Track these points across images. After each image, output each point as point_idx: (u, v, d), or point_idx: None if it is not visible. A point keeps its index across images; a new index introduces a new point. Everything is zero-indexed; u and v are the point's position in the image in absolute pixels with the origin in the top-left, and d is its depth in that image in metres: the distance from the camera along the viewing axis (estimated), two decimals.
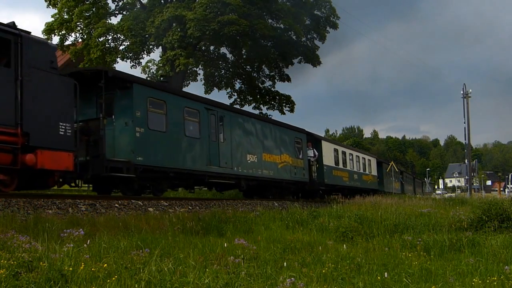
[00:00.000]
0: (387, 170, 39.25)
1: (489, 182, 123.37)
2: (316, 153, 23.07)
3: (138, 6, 28.32)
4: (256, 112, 31.67)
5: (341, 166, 26.89)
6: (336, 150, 26.51)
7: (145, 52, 28.65)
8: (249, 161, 17.83)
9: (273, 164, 19.59)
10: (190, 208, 12.98)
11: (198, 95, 17.32)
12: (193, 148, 15.06)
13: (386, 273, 6.12)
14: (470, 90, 42.19)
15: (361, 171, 30.94)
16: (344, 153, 28.12)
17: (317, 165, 23.25)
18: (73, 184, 12.12)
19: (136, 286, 5.00)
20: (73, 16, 26.31)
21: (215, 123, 16.29)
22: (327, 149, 25.13)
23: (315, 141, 24.05)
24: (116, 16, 28.89)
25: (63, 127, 10.29)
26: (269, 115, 31.69)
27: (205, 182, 16.26)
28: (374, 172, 34.18)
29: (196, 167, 15.09)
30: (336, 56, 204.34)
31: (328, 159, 24.72)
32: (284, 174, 20.40)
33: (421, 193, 59.27)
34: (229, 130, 16.99)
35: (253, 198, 18.37)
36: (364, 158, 32.38)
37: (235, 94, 32.59)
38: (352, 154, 29.94)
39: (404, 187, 46.36)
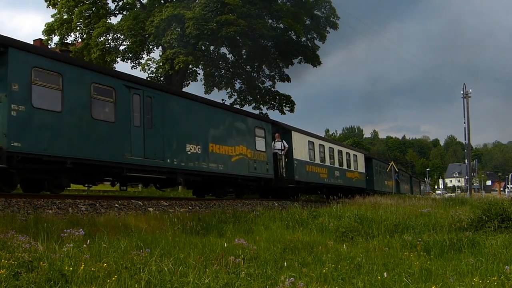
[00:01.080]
0: (387, 170, 38.67)
1: (489, 182, 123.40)
2: (286, 146, 19.97)
3: (138, 6, 28.34)
4: (256, 112, 31.74)
5: (317, 161, 23.32)
6: (311, 143, 22.97)
7: (145, 52, 28.69)
8: (189, 152, 14.84)
9: (225, 157, 16.49)
10: (190, 208, 12.98)
11: (116, 70, 14.86)
12: (105, 134, 12.20)
13: (386, 273, 6.12)
14: (470, 90, 42.17)
15: (345, 167, 27.39)
16: (322, 146, 24.56)
17: (287, 160, 20.12)
18: None
19: (136, 286, 5.00)
20: (73, 16, 26.33)
21: (140, 105, 13.30)
22: (300, 141, 21.62)
23: (284, 131, 20.61)
24: (116, 16, 28.96)
25: None
26: (265, 113, 31.79)
27: (124, 176, 13.15)
28: (362, 169, 30.68)
29: (106, 158, 12.17)
30: (337, 56, 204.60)
31: (300, 153, 21.31)
32: (239, 169, 17.21)
33: (419, 193, 56.09)
34: (160, 114, 13.89)
35: (204, 197, 16.81)
36: (348, 154, 28.82)
37: (235, 94, 32.63)
38: (333, 148, 26.33)
39: (400, 186, 42.87)
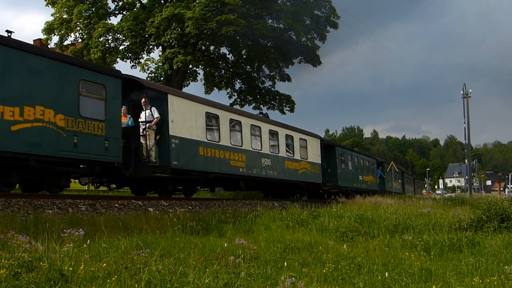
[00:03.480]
0: (387, 170, 37.85)
1: (489, 182, 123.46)
2: (157, 116, 13.62)
3: (138, 6, 28.35)
4: (256, 112, 31.73)
5: (225, 141, 16.38)
6: (210, 116, 15.94)
7: (145, 52, 28.70)
8: None
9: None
10: (190, 208, 12.97)
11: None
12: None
13: (386, 273, 6.11)
14: (470, 90, 42.25)
15: (282, 154, 20.06)
16: (235, 122, 17.33)
17: (158, 136, 13.84)
18: None
19: (136, 286, 5.00)
20: (72, 16, 26.33)
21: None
22: (184, 110, 14.72)
23: (155, 96, 14.08)
24: (116, 16, 28.96)
25: None
26: (266, 114, 31.77)
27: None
28: (316, 158, 23.16)
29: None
30: (338, 57, 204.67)
31: (184, 127, 14.49)
32: (43, 148, 10.30)
33: (413, 192, 50.34)
34: None
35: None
36: (290, 136, 21.13)
37: (235, 94, 32.61)
38: (259, 127, 18.85)
39: (385, 183, 35.82)
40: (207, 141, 15.50)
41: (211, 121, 16.03)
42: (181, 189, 15.88)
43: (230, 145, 16.68)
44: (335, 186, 24.87)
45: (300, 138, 22.12)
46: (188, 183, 15.67)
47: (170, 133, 13.91)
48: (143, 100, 13.66)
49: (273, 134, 19.92)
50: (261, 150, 18.55)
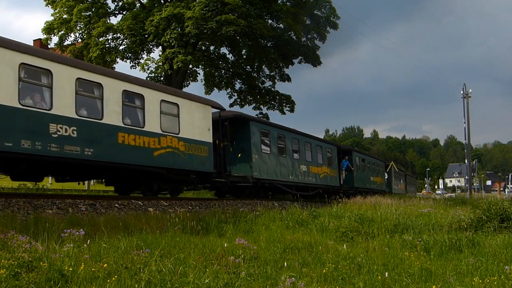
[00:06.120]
0: (387, 170, 37.71)
1: (489, 182, 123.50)
2: None
3: (138, 6, 28.34)
4: (256, 112, 31.72)
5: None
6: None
7: (145, 51, 28.67)
8: None
9: None
10: (190, 208, 12.97)
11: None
12: None
13: (386, 273, 6.12)
14: (470, 90, 42.30)
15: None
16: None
17: None
18: None
19: (136, 286, 5.00)
20: (72, 16, 26.32)
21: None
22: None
23: None
24: (116, 16, 28.95)
25: None
26: (266, 114, 31.76)
27: None
28: (203, 136, 15.00)
29: None
30: (340, 57, 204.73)
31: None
32: None
33: (403, 191, 44.41)
34: None
35: None
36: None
37: (235, 94, 32.60)
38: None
39: (356, 178, 27.93)
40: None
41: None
42: None
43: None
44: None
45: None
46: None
47: None
48: None
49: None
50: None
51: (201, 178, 15.11)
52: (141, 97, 12.82)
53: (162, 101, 13.53)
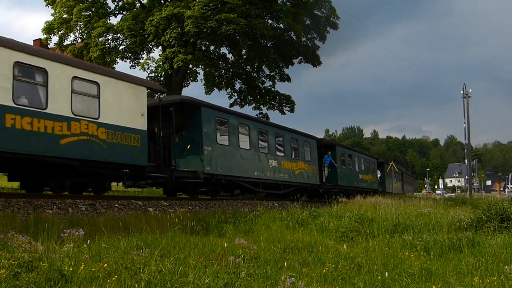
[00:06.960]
0: (387, 170, 37.34)
1: (489, 182, 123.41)
2: None
3: (138, 6, 28.34)
4: (256, 112, 31.68)
5: None
6: None
7: (145, 51, 28.66)
8: None
9: None
10: (190, 208, 12.98)
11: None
12: None
13: (386, 273, 6.12)
14: (470, 90, 42.29)
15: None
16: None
17: None
18: None
19: (136, 286, 5.00)
20: (72, 16, 26.32)
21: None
22: None
23: None
24: (116, 16, 28.94)
25: None
26: (266, 114, 31.70)
27: None
28: (137, 123, 12.77)
29: None
30: (341, 57, 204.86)
31: None
32: None
33: (400, 190, 42.38)
34: None
35: None
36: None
37: (235, 94, 32.60)
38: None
39: (340, 175, 25.71)
40: None
41: None
42: None
43: None
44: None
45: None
46: None
47: None
48: None
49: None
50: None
51: (135, 173, 12.82)
52: (43, 71, 10.41)
53: (75, 78, 11.07)
